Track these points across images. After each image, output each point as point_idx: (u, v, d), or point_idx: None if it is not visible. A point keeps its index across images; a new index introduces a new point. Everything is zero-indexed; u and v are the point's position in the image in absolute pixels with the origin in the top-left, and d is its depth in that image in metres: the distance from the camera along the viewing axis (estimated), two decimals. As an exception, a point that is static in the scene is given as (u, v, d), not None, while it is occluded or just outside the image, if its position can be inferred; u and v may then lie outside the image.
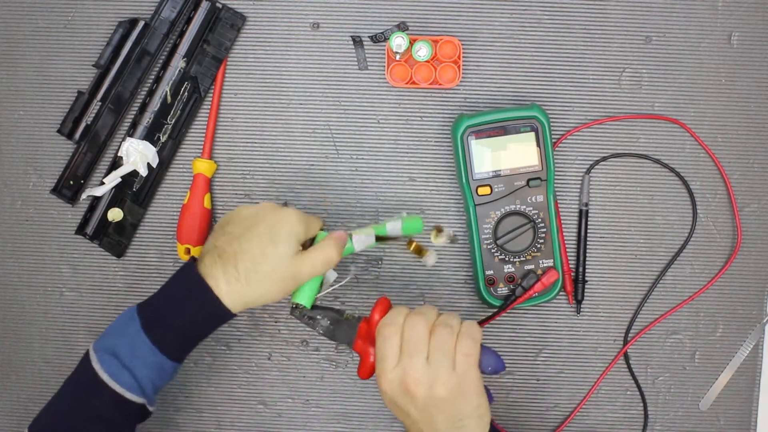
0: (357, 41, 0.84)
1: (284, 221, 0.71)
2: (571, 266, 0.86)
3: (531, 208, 0.81)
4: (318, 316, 0.74)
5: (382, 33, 0.84)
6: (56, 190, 0.85)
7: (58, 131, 0.85)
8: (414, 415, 0.70)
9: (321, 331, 0.74)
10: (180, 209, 0.85)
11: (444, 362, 0.69)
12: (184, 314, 0.70)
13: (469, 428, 0.70)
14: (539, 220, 0.82)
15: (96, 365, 0.70)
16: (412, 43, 0.81)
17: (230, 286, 0.69)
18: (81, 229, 0.85)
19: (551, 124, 0.83)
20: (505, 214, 0.81)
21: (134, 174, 0.85)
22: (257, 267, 0.70)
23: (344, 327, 0.74)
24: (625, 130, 0.85)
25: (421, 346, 0.69)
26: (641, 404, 0.87)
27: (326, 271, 0.73)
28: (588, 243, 0.85)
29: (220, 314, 0.70)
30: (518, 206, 0.81)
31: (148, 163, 0.84)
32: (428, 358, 0.69)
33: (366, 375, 0.74)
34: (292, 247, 0.70)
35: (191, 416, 0.87)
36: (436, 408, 0.69)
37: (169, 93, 0.84)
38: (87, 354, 0.72)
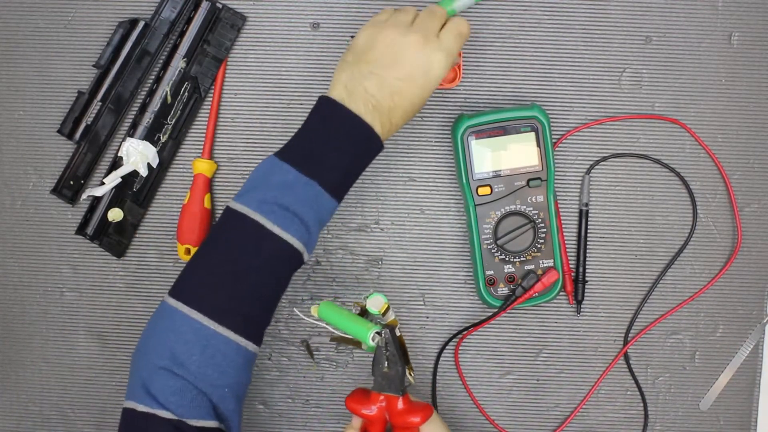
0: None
1: (433, 70, 0.70)
2: (571, 266, 0.86)
3: (531, 208, 0.81)
4: (391, 359, 0.72)
5: (382, 33, 0.84)
6: (56, 190, 0.85)
7: (59, 131, 0.85)
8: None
9: (378, 373, 0.73)
10: (180, 209, 0.85)
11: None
12: (348, 152, 0.69)
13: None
14: (539, 220, 0.82)
15: (258, 217, 0.66)
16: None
17: (384, 134, 0.71)
18: (81, 229, 0.85)
19: (551, 124, 0.83)
20: (505, 214, 0.81)
21: (134, 174, 0.85)
22: (407, 116, 0.71)
23: (394, 380, 0.73)
24: (625, 130, 0.85)
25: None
26: (641, 404, 0.87)
27: None
28: (588, 243, 0.85)
29: (377, 151, 0.71)
30: (518, 206, 0.81)
31: (148, 163, 0.84)
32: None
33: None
34: (432, 90, 0.71)
35: (191, 416, 0.87)
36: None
37: (169, 93, 0.84)
38: (232, 212, 0.67)
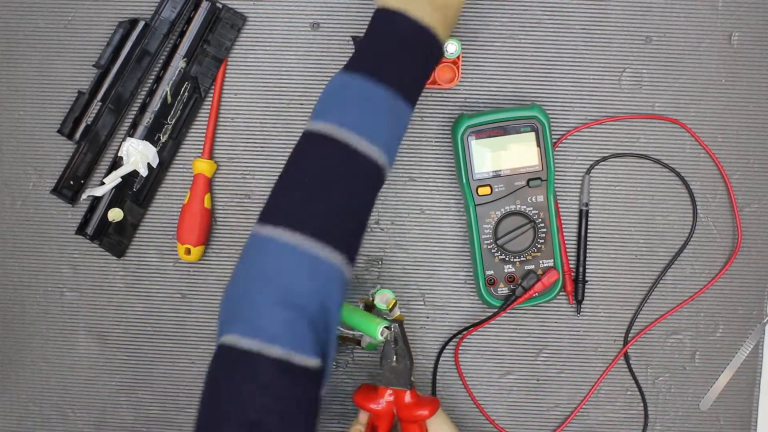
0: (357, 41, 0.84)
1: None
2: (571, 266, 0.86)
3: (531, 208, 0.81)
4: (399, 353, 0.73)
5: (382, 33, 0.84)
6: (56, 190, 0.85)
7: (59, 131, 0.85)
8: None
9: (387, 367, 0.73)
10: (180, 209, 0.85)
11: None
12: (416, 59, 0.68)
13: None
14: (539, 220, 0.82)
15: (341, 134, 0.64)
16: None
17: (443, 33, 0.70)
18: (81, 229, 0.85)
19: (551, 124, 0.83)
20: (505, 214, 0.81)
21: (134, 174, 0.85)
22: (457, 12, 0.71)
23: (402, 374, 0.74)
24: (625, 130, 0.85)
25: None
26: (641, 404, 0.87)
27: None
28: (588, 243, 0.85)
29: (440, 55, 0.70)
30: (518, 206, 0.81)
31: (149, 163, 0.84)
32: None
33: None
34: None
35: (192, 416, 0.87)
36: None
37: (169, 93, 0.84)
38: (312, 134, 0.65)
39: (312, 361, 0.61)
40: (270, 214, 0.64)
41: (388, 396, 0.74)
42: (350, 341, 0.76)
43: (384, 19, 0.69)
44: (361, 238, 0.66)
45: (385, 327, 0.72)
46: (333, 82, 0.67)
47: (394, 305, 0.75)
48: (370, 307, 0.76)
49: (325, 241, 0.62)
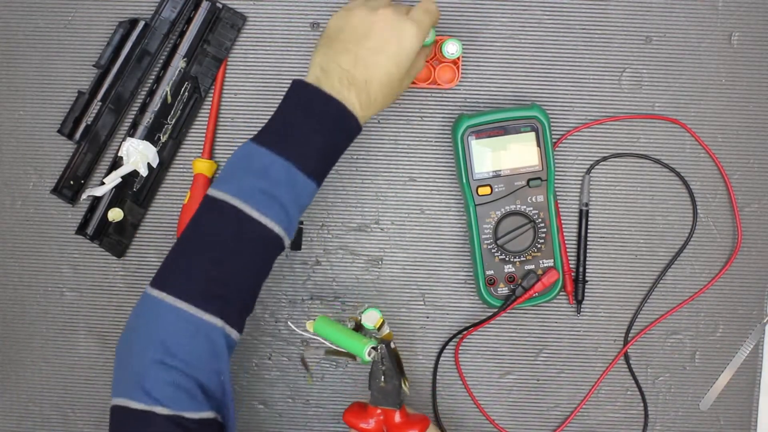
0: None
1: (405, 39, 0.70)
2: (571, 266, 0.86)
3: (531, 208, 0.81)
4: (387, 373, 0.73)
5: (382, 33, 0.84)
6: (56, 190, 0.85)
7: (59, 131, 0.85)
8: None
9: (375, 387, 0.74)
10: (180, 209, 0.85)
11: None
12: (324, 133, 0.68)
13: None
14: (539, 220, 0.82)
15: (238, 203, 0.65)
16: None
17: (363, 111, 0.70)
18: (81, 229, 0.85)
19: (551, 124, 0.83)
20: (505, 214, 0.81)
21: (134, 174, 0.85)
22: (385, 90, 0.70)
23: (391, 394, 0.74)
24: (625, 130, 0.85)
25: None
26: (641, 404, 0.87)
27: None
28: (588, 243, 0.85)
29: (354, 131, 0.70)
30: (518, 206, 0.81)
31: (149, 163, 0.84)
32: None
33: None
34: (409, 62, 0.71)
35: (191, 416, 0.87)
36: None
37: (169, 93, 0.84)
38: (212, 200, 0.67)
39: (206, 414, 0.64)
40: (161, 280, 0.66)
41: (377, 415, 0.74)
42: (344, 356, 0.76)
43: (297, 91, 0.69)
44: (254, 300, 0.69)
45: (372, 348, 0.72)
46: (238, 152, 0.68)
47: (382, 324, 0.75)
48: (359, 326, 0.76)
49: (211, 310, 0.65)
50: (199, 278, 0.65)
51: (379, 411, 0.74)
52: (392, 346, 0.74)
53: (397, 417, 0.74)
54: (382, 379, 0.73)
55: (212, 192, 0.67)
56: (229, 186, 0.67)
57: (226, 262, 0.66)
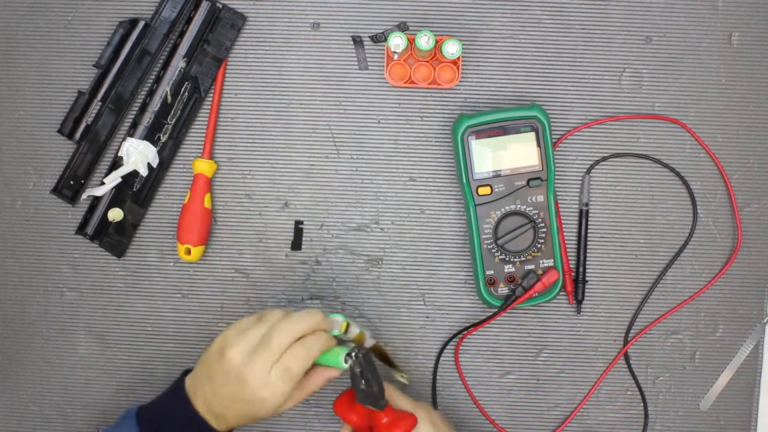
0: (357, 41, 0.84)
1: (266, 405, 0.70)
2: (571, 266, 0.86)
3: (531, 208, 0.81)
4: (366, 377, 0.73)
5: (382, 33, 0.84)
6: (56, 190, 0.85)
7: (59, 131, 0.85)
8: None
9: (358, 389, 0.73)
10: (180, 209, 0.85)
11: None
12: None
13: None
14: (539, 220, 0.82)
15: None
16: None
17: (220, 426, 0.73)
18: (81, 229, 0.85)
19: (551, 124, 0.83)
20: (505, 214, 0.81)
21: (134, 174, 0.85)
22: (243, 420, 0.72)
23: (373, 396, 0.73)
24: (625, 130, 0.85)
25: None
26: (641, 404, 0.87)
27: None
28: (588, 243, 0.85)
29: None
30: (518, 206, 0.81)
31: (149, 163, 0.84)
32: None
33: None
34: (266, 416, 0.72)
35: (191, 416, 0.87)
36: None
37: (169, 93, 0.84)
38: None
39: None
40: None
41: (364, 411, 0.75)
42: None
43: (177, 390, 0.74)
44: None
45: (347, 355, 0.72)
46: (128, 416, 0.75)
47: (348, 327, 0.74)
48: (341, 341, 0.76)
49: None
50: None
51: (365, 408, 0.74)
52: (368, 343, 0.73)
53: (383, 418, 0.73)
54: (363, 383, 0.72)
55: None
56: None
57: None
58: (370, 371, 0.72)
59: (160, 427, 0.74)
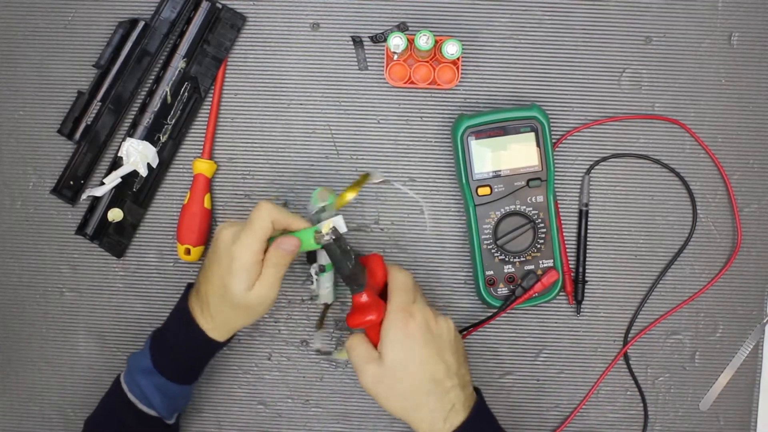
0: (357, 41, 0.84)
1: (235, 260, 0.72)
2: (571, 266, 0.86)
3: (531, 209, 0.81)
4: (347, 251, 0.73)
5: (382, 33, 0.84)
6: (56, 190, 0.85)
7: (58, 131, 0.85)
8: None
9: (347, 268, 0.73)
10: (180, 209, 0.85)
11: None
12: (179, 342, 0.77)
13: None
14: (539, 220, 0.82)
15: (125, 389, 0.77)
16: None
17: (208, 323, 0.75)
18: (81, 229, 0.85)
19: (551, 124, 0.83)
20: (505, 215, 0.81)
21: (134, 174, 0.85)
22: (221, 306, 0.74)
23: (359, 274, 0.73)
24: (625, 130, 0.85)
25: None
26: (641, 404, 0.87)
27: (276, 294, 0.74)
28: (588, 243, 0.85)
29: (210, 346, 0.77)
30: (518, 206, 0.81)
31: (148, 164, 0.84)
32: None
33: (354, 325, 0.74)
34: (242, 284, 0.72)
35: (192, 416, 0.87)
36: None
37: (169, 93, 0.84)
38: (116, 380, 0.79)
39: None
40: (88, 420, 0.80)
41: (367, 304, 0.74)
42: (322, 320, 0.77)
43: (180, 304, 0.78)
44: None
45: (316, 232, 0.72)
46: (146, 345, 0.78)
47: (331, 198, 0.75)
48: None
49: None
50: None
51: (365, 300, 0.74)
52: (343, 228, 0.73)
53: (364, 297, 0.73)
54: (352, 262, 0.73)
55: (121, 375, 0.79)
56: (127, 372, 0.78)
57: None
58: (341, 252, 0.72)
59: (166, 346, 0.77)
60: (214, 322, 0.75)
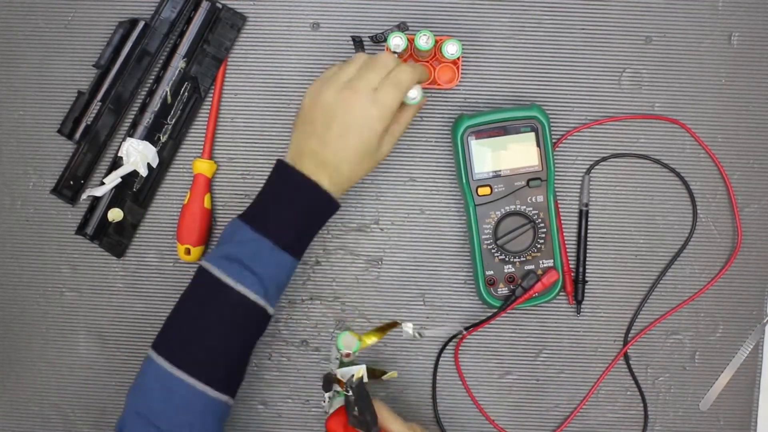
0: (357, 41, 0.84)
1: (368, 123, 0.72)
2: (571, 266, 0.86)
3: (531, 209, 0.81)
4: (359, 405, 0.72)
5: (382, 33, 0.84)
6: (56, 190, 0.85)
7: (58, 131, 0.85)
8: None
9: (351, 414, 0.72)
10: (180, 209, 0.85)
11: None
12: (298, 210, 0.73)
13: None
14: (539, 220, 0.82)
15: (216, 272, 0.71)
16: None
17: (336, 188, 0.74)
18: (81, 229, 0.85)
19: (551, 124, 0.83)
20: (505, 215, 0.81)
21: (134, 174, 0.85)
22: (356, 168, 0.74)
23: (366, 424, 0.72)
24: (625, 130, 0.85)
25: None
26: (641, 404, 0.87)
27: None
28: (588, 243, 0.85)
29: (331, 206, 0.74)
30: (518, 206, 0.81)
31: (148, 164, 0.84)
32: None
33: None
34: (377, 141, 0.73)
35: (191, 416, 0.87)
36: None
37: (169, 93, 0.84)
38: (200, 269, 0.73)
39: None
40: (157, 342, 0.73)
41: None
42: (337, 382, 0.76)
43: (277, 171, 0.75)
44: (242, 364, 0.74)
45: (336, 391, 0.72)
46: (227, 227, 0.74)
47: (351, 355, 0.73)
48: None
49: (195, 374, 0.70)
50: (186, 344, 0.71)
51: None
52: (365, 378, 0.73)
53: None
54: (356, 410, 0.71)
55: (202, 261, 0.73)
56: (213, 256, 0.73)
57: (211, 330, 0.72)
58: (363, 401, 0.71)
59: (263, 215, 0.73)
60: (339, 177, 0.73)
